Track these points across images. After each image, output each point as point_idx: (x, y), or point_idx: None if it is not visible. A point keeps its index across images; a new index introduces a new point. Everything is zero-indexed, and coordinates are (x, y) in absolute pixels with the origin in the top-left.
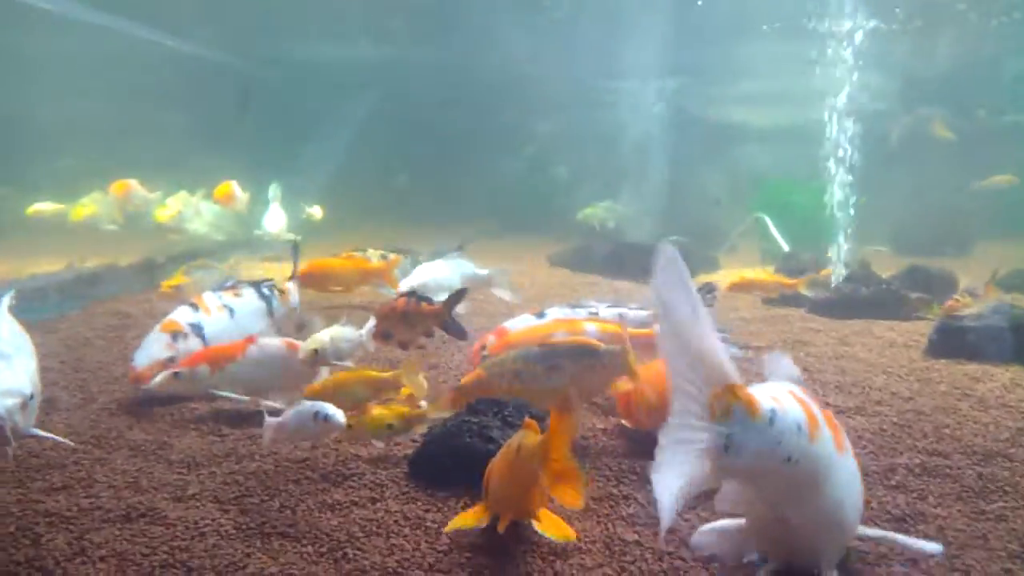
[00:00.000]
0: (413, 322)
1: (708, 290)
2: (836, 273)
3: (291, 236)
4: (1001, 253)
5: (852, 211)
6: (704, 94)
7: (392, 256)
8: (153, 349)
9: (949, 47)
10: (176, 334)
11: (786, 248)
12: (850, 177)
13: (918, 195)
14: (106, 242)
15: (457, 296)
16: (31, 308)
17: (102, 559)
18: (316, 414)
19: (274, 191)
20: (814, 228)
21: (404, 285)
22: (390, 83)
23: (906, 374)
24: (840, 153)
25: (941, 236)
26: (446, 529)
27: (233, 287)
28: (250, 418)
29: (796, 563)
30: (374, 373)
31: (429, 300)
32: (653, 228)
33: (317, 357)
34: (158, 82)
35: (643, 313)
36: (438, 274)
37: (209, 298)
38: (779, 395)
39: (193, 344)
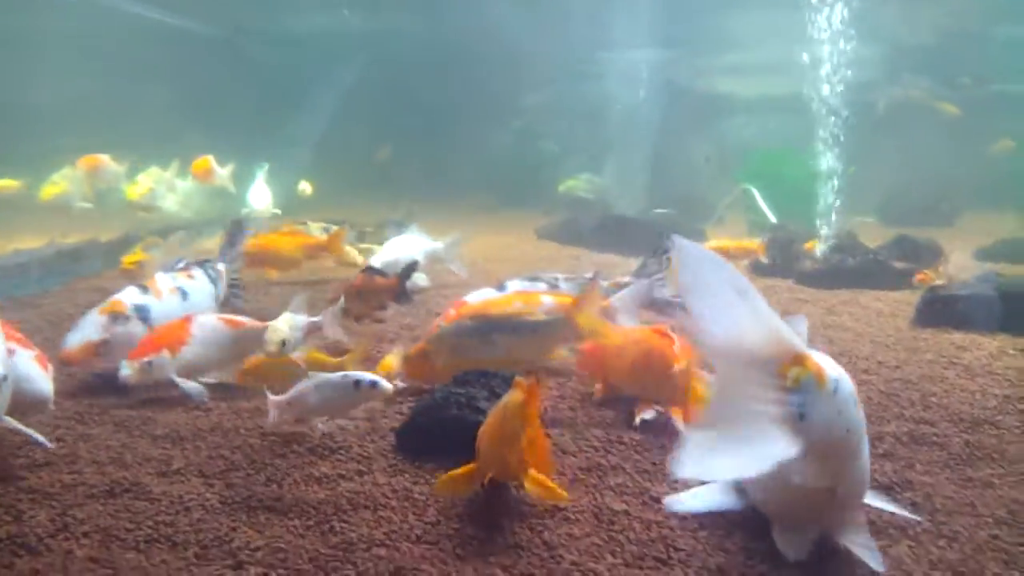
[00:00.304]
0: (367, 296)
1: (663, 251)
2: (822, 244)
3: (277, 212)
4: (987, 224)
5: (839, 181)
6: (692, 65)
7: (335, 228)
8: (88, 330)
9: (936, 16)
10: (116, 316)
11: (773, 219)
12: (837, 148)
13: (905, 165)
14: (79, 220)
15: (408, 269)
16: (13, 284)
17: (85, 535)
18: (358, 383)
19: (259, 169)
20: (802, 199)
21: (375, 261)
22: (377, 54)
23: (893, 343)
24: (827, 123)
25: (929, 206)
26: (436, 485)
27: (186, 268)
28: (236, 393)
29: (824, 531)
30: (321, 356)
31: (383, 274)
32: (640, 200)
33: (285, 348)
34: (147, 58)
35: (605, 283)
36: (406, 250)
37: (162, 280)
38: (834, 365)
39: (134, 328)
